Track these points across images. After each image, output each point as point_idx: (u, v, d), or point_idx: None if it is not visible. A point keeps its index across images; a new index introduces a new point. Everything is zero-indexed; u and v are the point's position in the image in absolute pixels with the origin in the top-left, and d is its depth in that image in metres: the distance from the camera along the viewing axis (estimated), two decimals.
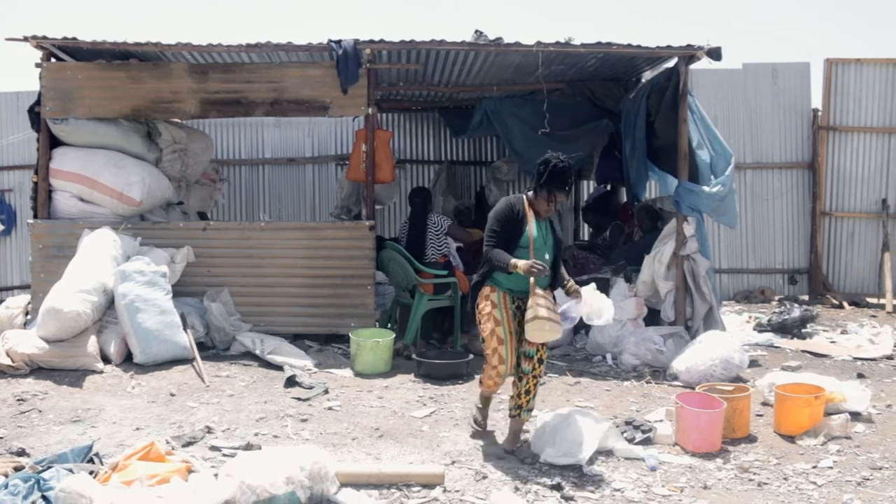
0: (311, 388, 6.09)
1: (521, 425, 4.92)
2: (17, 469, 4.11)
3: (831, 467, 4.66)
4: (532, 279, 4.65)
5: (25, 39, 7.31)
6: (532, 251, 4.73)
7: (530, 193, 4.90)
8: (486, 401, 5.18)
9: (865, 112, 10.66)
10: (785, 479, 4.49)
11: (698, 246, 7.31)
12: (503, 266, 4.67)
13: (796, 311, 8.46)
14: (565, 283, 4.97)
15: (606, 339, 7.32)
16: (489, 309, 4.82)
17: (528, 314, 4.58)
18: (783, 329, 8.30)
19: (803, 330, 8.36)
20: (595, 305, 4.81)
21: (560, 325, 4.66)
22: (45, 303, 6.51)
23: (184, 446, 4.79)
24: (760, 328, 8.49)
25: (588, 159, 9.72)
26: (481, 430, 5.17)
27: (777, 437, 5.17)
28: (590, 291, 4.85)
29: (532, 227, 4.78)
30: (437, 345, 7.82)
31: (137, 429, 5.17)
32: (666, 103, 7.48)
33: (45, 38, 7.30)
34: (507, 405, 5.00)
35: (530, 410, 4.91)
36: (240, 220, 11.10)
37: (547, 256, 4.80)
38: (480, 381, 5.07)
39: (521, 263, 4.59)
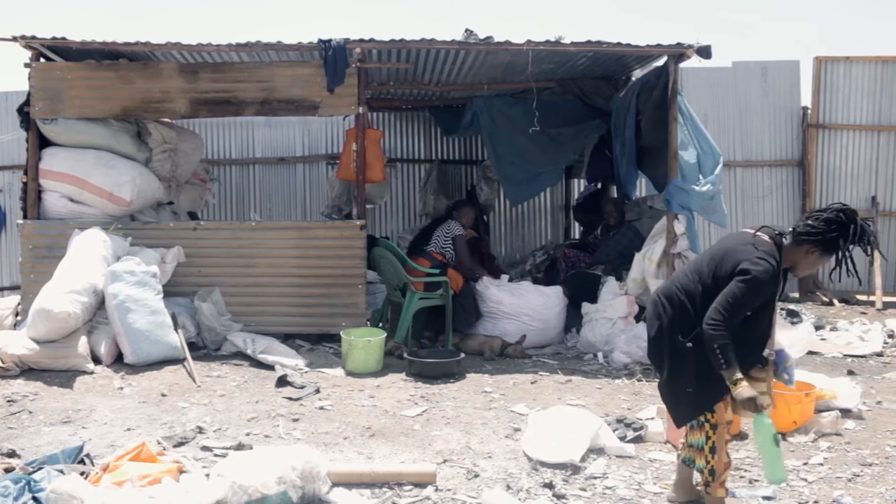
0: (302, 387, 6.08)
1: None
2: (7, 470, 4.09)
3: (822, 464, 4.68)
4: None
5: (14, 39, 7.27)
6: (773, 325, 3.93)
7: (789, 243, 3.75)
8: None
9: (855, 110, 10.71)
10: None
11: (689, 244, 7.33)
12: (720, 367, 3.61)
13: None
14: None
15: (598, 338, 7.32)
16: (730, 416, 3.92)
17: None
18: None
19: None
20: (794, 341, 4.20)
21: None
22: (35, 303, 6.48)
23: (175, 447, 4.78)
24: None
25: (579, 158, 9.76)
26: None
27: None
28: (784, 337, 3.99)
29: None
30: (429, 343, 7.82)
31: (128, 429, 5.15)
32: (653, 103, 7.49)
33: (34, 37, 7.26)
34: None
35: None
36: (230, 219, 11.07)
37: None
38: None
39: (745, 393, 3.61)
